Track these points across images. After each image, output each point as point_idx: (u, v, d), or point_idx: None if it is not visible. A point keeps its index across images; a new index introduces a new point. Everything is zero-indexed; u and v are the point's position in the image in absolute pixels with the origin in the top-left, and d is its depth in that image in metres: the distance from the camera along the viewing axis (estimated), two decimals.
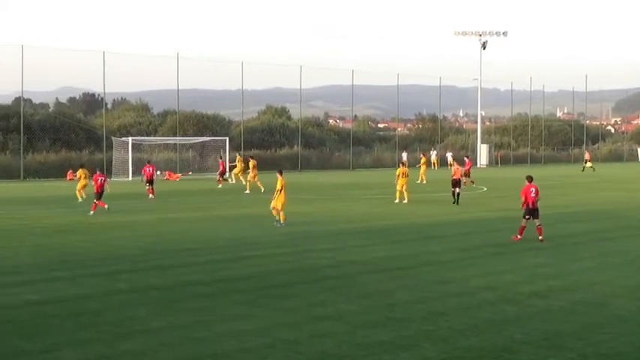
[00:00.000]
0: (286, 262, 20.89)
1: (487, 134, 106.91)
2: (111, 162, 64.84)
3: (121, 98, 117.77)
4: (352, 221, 30.79)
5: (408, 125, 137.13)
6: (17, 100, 72.18)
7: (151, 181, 43.15)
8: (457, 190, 38.43)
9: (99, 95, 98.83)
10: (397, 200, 38.75)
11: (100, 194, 33.64)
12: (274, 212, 28.92)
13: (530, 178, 25.12)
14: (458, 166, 40.55)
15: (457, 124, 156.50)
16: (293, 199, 41.10)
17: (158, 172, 59.52)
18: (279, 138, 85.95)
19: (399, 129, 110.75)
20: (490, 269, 19.82)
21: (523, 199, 24.94)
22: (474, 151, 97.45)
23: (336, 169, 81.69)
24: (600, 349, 12.31)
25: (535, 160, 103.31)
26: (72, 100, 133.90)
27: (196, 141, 72.13)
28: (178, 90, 73.20)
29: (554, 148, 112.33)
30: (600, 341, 12.76)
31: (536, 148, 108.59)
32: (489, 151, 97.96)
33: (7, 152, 66.11)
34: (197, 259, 21.51)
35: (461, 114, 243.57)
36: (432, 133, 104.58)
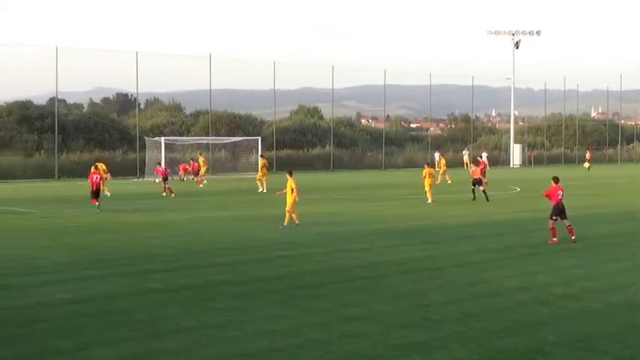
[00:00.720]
0: (318, 262, 20.85)
1: (520, 134, 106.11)
2: (144, 162, 65.32)
3: (154, 98, 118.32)
4: (384, 221, 30.70)
5: (441, 125, 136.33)
6: (52, 100, 72.81)
7: (166, 179, 44.43)
8: (480, 187, 39.73)
9: (132, 95, 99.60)
10: (429, 200, 38.77)
11: (95, 192, 34.59)
12: (293, 215, 28.47)
13: (556, 179, 24.89)
14: (475, 167, 42.08)
15: (490, 124, 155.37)
16: (325, 199, 41.21)
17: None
18: (312, 138, 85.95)
19: (431, 129, 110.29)
20: (523, 270, 19.62)
21: (546, 194, 24.92)
22: (507, 151, 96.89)
23: (368, 169, 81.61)
24: (637, 352, 12.12)
25: (569, 160, 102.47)
26: (105, 100, 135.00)
27: (229, 141, 72.45)
28: (211, 90, 73.55)
29: (588, 148, 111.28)
30: (638, 343, 12.57)
31: (570, 148, 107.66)
32: (522, 151, 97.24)
33: (42, 152, 66.84)
34: (229, 258, 21.56)
35: (493, 114, 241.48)
36: (465, 133, 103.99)
